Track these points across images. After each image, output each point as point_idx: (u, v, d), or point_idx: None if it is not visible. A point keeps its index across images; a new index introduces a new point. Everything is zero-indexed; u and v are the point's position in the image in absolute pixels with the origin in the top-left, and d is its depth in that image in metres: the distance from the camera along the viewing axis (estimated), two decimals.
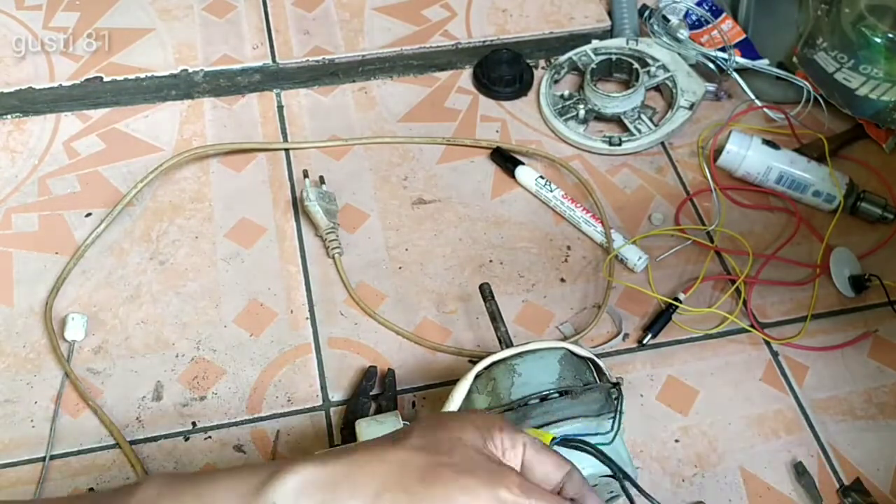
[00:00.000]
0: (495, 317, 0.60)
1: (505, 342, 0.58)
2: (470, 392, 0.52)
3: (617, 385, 0.53)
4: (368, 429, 0.51)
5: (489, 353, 0.54)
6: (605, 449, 0.49)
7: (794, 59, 0.80)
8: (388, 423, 0.52)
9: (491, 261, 0.71)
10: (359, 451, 0.36)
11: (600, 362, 0.54)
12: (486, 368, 0.52)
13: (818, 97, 0.79)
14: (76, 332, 0.64)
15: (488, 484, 0.34)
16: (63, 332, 0.64)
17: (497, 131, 0.80)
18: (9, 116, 0.80)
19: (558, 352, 0.53)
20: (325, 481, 0.34)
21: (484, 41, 0.87)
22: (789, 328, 0.67)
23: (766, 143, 0.74)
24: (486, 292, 0.61)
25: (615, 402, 0.52)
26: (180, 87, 0.83)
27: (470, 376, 0.52)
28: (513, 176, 0.75)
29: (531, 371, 0.52)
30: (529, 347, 0.53)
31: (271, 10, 0.89)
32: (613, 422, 0.51)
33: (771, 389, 0.64)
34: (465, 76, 0.84)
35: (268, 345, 0.65)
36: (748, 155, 0.73)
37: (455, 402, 0.52)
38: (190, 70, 0.83)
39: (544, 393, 0.50)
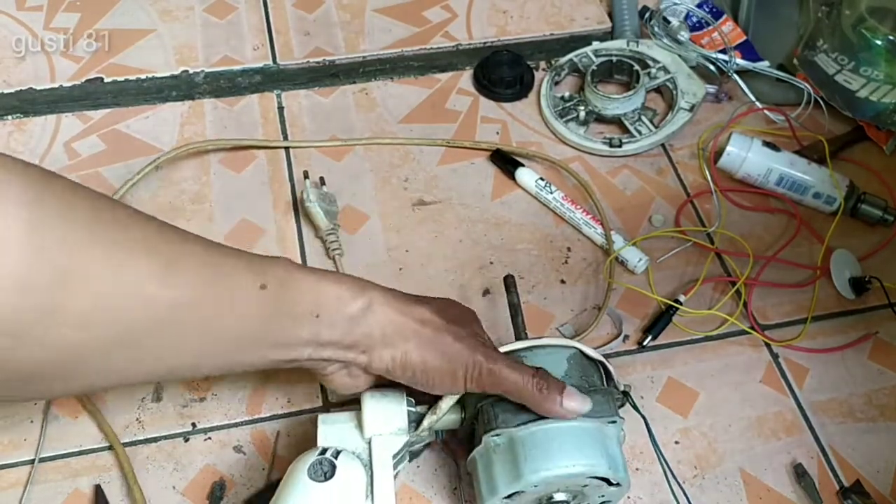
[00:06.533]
0: (517, 310, 0.60)
1: (521, 334, 0.59)
2: None
3: (625, 393, 0.53)
4: (374, 402, 0.53)
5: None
6: (601, 451, 0.49)
7: (795, 61, 0.80)
8: (392, 399, 0.54)
9: (491, 262, 0.70)
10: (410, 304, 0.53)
11: (610, 367, 0.54)
12: None
13: (818, 99, 0.79)
14: None
15: (472, 348, 0.51)
16: None
17: (497, 133, 0.80)
18: (9, 117, 0.80)
19: (569, 350, 0.54)
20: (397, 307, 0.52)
21: (484, 42, 0.87)
22: (789, 330, 0.67)
23: (767, 144, 0.74)
24: (509, 283, 0.61)
25: (618, 408, 0.52)
26: (181, 87, 0.83)
27: None
28: (513, 177, 0.75)
29: (538, 364, 0.52)
30: (542, 342, 0.54)
31: (272, 12, 0.89)
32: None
33: (771, 391, 0.64)
34: (466, 77, 0.84)
35: None
36: (748, 157, 0.73)
37: None
38: (191, 71, 0.84)
39: None
